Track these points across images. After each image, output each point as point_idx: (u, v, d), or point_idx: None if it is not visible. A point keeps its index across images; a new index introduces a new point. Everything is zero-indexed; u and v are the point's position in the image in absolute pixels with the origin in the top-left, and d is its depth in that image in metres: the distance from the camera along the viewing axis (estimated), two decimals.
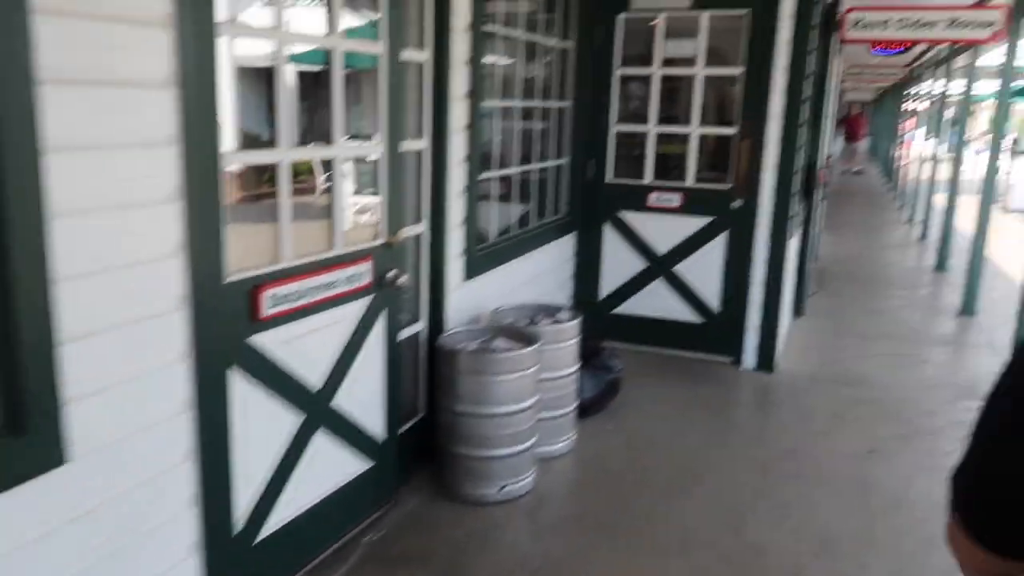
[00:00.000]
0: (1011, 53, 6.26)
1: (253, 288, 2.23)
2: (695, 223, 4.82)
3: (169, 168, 1.90)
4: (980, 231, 6.44)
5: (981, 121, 20.15)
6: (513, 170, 4.26)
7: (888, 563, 2.87)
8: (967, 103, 8.45)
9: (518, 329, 3.41)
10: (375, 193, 2.86)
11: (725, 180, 4.75)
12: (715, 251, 4.80)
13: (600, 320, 4.98)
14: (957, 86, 9.60)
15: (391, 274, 2.83)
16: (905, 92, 16.79)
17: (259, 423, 2.32)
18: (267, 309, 2.27)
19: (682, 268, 4.89)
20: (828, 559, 2.87)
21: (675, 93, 5.04)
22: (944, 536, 0.76)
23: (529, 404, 3.17)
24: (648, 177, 4.91)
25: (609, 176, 4.99)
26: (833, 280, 7.48)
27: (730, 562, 2.84)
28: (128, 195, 1.81)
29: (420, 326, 3.38)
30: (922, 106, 15.38)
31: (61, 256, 1.63)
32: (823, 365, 5.07)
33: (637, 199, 4.93)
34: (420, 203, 3.26)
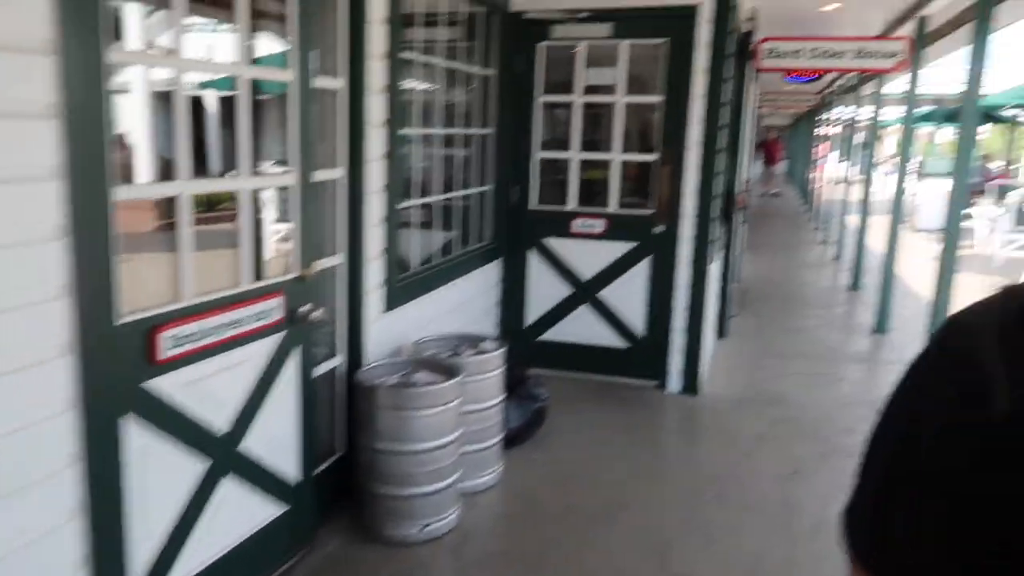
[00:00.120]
0: (914, 81, 6.57)
1: (150, 329, 2.09)
2: (619, 248, 4.85)
3: (52, 204, 1.76)
4: (890, 251, 6.69)
5: (889, 145, 21.17)
6: (436, 198, 4.20)
7: None
8: (875, 128, 8.84)
9: (440, 361, 3.33)
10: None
11: (648, 206, 4.80)
12: (639, 276, 4.83)
13: (527, 347, 4.94)
14: (866, 112, 10.04)
15: (305, 308, 2.72)
16: (818, 117, 17.51)
17: (158, 473, 2.18)
18: (166, 351, 2.14)
19: (607, 293, 4.90)
20: None
21: (598, 120, 5.07)
22: None
23: (452, 438, 3.09)
24: (572, 203, 4.92)
25: (533, 202, 4.98)
26: (754, 300, 7.65)
27: None
28: (5, 234, 1.67)
29: (338, 361, 3.26)
30: (834, 131, 16.07)
31: None
32: (746, 386, 5.15)
33: (561, 225, 4.93)
34: (336, 234, 3.16)
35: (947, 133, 20.28)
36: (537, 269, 5.02)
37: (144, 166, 8.45)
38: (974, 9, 4.55)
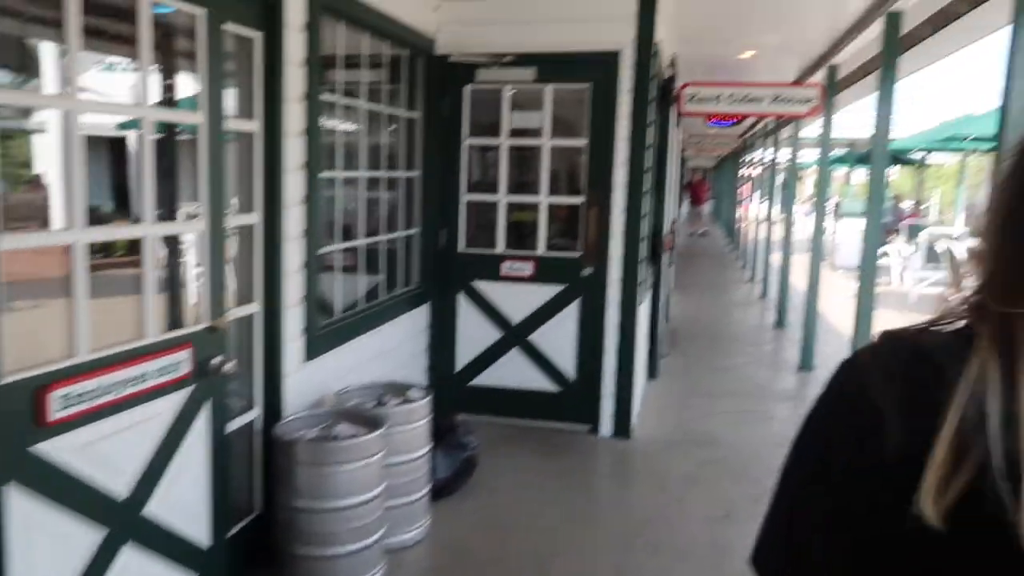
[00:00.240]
0: (827, 126, 6.85)
1: (37, 389, 1.93)
2: (548, 291, 4.82)
3: None
4: (812, 289, 6.88)
5: (809, 185, 22.04)
6: (361, 241, 4.10)
7: None
8: (794, 170, 9.17)
9: (363, 412, 3.20)
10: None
11: (576, 248, 4.80)
12: (569, 319, 4.80)
13: (458, 392, 4.85)
14: (784, 154, 10.41)
15: (216, 360, 2.58)
16: (741, 159, 18.12)
17: (47, 545, 1.99)
18: (56, 412, 1.97)
19: (537, 337, 4.86)
20: None
21: (526, 162, 5.09)
22: None
23: (375, 493, 2.95)
24: (501, 246, 4.88)
25: (462, 245, 4.92)
26: (684, 340, 7.73)
27: None
28: None
29: (255, 414, 3.10)
30: (756, 172, 16.63)
31: None
32: (677, 427, 5.15)
33: (491, 268, 4.88)
34: (253, 281, 3.03)
35: (861, 175, 21.25)
36: (467, 313, 4.94)
37: (58, 208, 8.11)
38: (879, 58, 4.76)
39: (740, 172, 18.49)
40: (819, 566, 0.64)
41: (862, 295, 4.93)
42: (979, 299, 0.59)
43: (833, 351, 6.91)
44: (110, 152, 12.40)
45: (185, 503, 2.51)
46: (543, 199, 4.79)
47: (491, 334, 4.92)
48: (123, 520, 2.25)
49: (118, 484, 2.22)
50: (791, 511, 0.68)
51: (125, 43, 2.52)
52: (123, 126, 10.16)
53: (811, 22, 5.39)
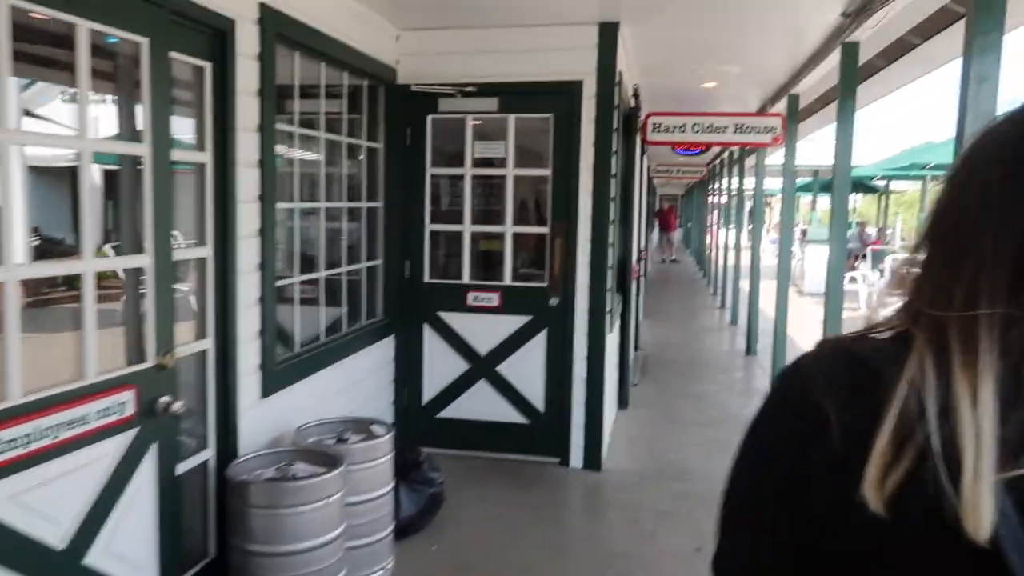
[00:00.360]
0: (790, 154, 6.91)
1: None
2: (515, 322, 4.75)
3: None
4: (780, 315, 6.89)
5: (775, 213, 22.34)
6: (322, 273, 4.01)
7: None
8: (760, 197, 9.26)
9: (322, 450, 3.09)
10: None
11: (543, 278, 4.75)
12: (537, 349, 4.74)
13: (425, 425, 4.75)
14: (750, 182, 10.52)
15: (164, 400, 2.47)
16: (709, 187, 18.31)
17: None
18: None
19: (505, 368, 4.78)
20: None
21: (493, 191, 5.04)
22: None
23: (335, 535, 2.84)
24: (466, 276, 4.82)
25: (427, 276, 4.85)
26: (655, 367, 7.70)
27: None
28: None
29: (208, 454, 2.98)
30: (724, 199, 16.81)
31: None
32: (648, 458, 5.07)
33: (457, 298, 4.81)
34: (205, 316, 2.93)
35: (827, 202, 21.60)
36: (433, 344, 4.86)
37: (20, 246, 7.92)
38: (838, 88, 4.82)
39: (709, 199, 18.68)
40: (770, 570, 0.68)
41: (829, 320, 4.93)
42: (913, 305, 0.64)
43: None
44: (73, 184, 12.20)
45: (129, 551, 2.39)
46: (508, 229, 4.75)
47: (458, 365, 4.84)
48: (62, 573, 2.12)
49: (55, 535, 2.10)
50: (740, 517, 0.73)
51: (70, 72, 2.44)
52: (99, 159, 10.01)
53: (770, 53, 5.46)
